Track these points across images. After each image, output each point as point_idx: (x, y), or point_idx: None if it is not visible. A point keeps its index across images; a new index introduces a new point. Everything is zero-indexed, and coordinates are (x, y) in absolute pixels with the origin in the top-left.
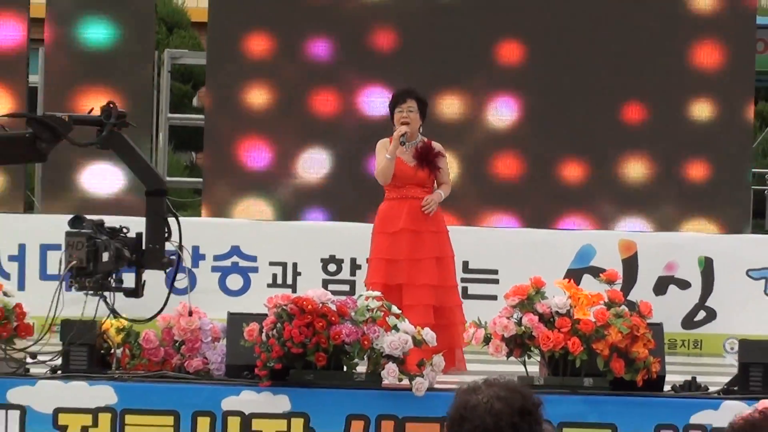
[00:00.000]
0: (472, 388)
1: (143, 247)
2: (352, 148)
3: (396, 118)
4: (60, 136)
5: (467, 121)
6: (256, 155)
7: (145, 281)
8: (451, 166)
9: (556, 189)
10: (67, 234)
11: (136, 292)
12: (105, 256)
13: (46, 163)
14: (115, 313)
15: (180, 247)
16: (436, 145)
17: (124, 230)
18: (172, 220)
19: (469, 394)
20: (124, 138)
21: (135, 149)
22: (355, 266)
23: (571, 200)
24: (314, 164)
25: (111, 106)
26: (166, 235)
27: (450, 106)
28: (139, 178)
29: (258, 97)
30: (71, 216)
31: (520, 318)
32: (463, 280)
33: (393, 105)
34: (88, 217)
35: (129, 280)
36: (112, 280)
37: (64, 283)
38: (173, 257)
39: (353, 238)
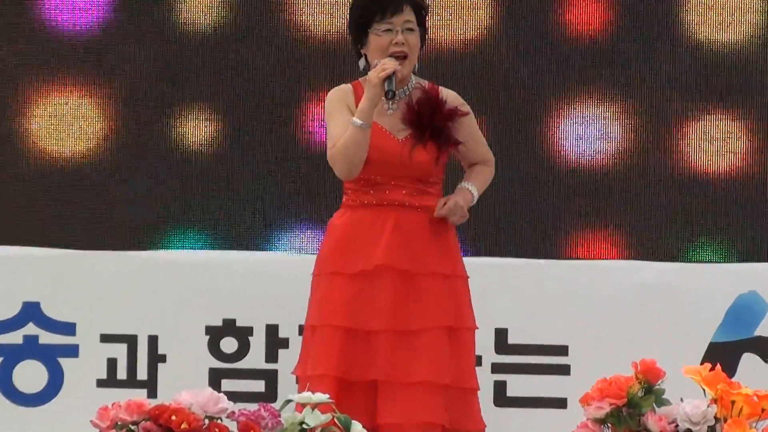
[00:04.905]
0: None
1: None
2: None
3: (376, 44)
4: None
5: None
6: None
7: None
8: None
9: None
10: None
11: None
12: None
13: None
14: None
15: None
16: (448, 95)
17: None
18: None
19: None
20: None
21: None
22: (276, 341)
23: (709, 207)
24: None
25: None
26: None
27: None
28: None
29: None
30: None
31: None
32: (498, 368)
33: (368, 17)
34: None
35: None
36: None
37: None
38: None
39: (270, 282)
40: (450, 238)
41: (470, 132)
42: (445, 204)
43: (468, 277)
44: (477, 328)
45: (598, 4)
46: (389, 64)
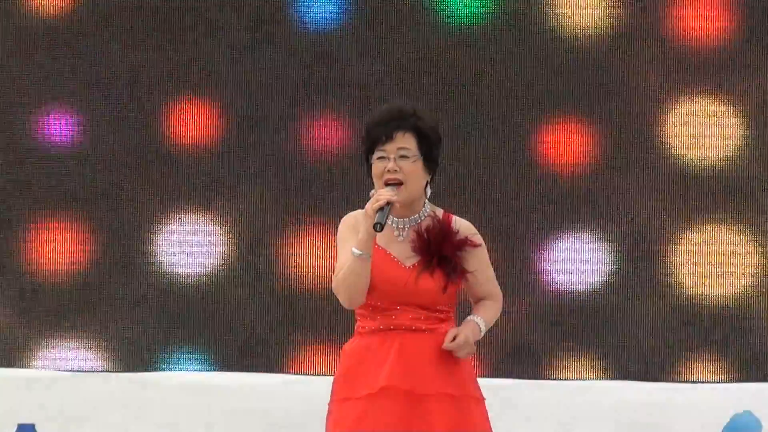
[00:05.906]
0: None
1: None
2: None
3: (373, 172)
4: None
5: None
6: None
7: None
8: None
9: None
10: None
11: None
12: None
13: None
14: None
15: None
16: (461, 225)
17: None
18: None
19: None
20: None
21: None
22: None
23: (700, 327)
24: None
25: None
26: None
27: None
28: None
29: None
30: None
31: None
32: None
33: (369, 145)
34: None
35: None
36: None
37: None
38: None
39: (264, 403)
40: (460, 358)
41: (479, 265)
42: (454, 339)
43: (484, 399)
44: None
45: (578, 136)
46: (384, 195)
